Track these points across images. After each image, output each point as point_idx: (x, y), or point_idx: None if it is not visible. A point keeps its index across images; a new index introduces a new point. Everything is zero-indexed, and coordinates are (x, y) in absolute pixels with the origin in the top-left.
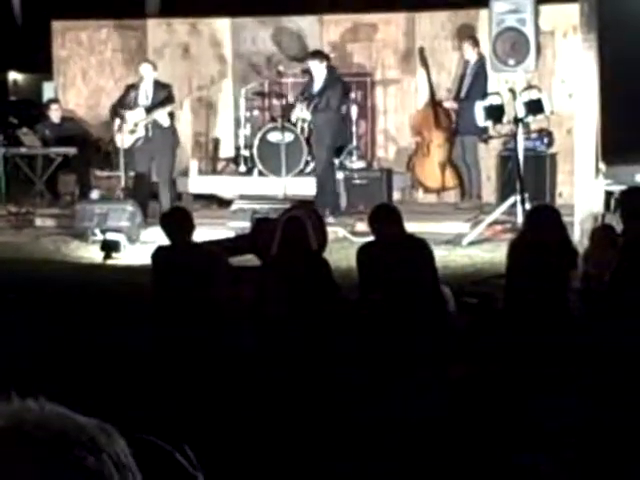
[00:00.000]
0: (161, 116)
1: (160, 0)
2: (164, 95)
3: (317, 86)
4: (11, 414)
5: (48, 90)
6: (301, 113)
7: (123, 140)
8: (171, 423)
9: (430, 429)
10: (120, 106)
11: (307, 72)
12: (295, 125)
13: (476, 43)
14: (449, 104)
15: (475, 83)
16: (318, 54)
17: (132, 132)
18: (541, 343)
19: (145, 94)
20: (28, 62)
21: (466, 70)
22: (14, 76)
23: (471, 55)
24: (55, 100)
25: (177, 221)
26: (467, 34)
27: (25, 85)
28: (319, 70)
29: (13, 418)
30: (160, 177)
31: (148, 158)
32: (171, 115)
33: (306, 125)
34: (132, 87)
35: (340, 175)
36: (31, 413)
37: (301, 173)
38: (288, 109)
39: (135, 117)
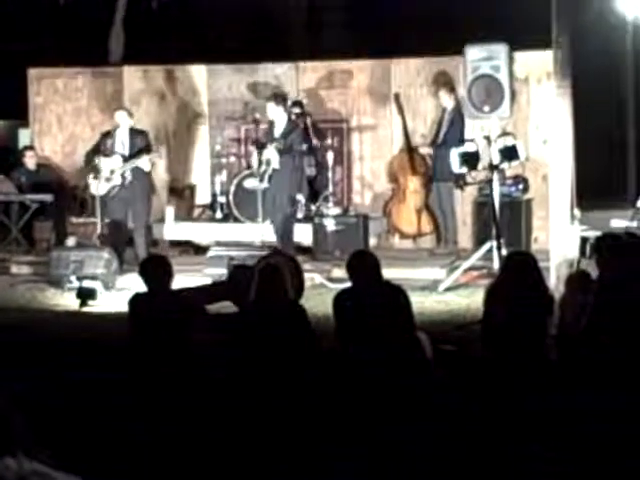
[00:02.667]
0: (143, 163)
1: (123, 50)
2: (141, 143)
3: (278, 130)
4: None
5: (24, 137)
6: (270, 154)
7: (99, 187)
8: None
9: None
10: (96, 153)
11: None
12: (260, 168)
13: (452, 90)
14: (425, 150)
15: (452, 130)
16: (276, 97)
17: (108, 180)
18: (518, 390)
19: (121, 142)
20: (3, 109)
21: (443, 116)
22: None
23: (448, 102)
24: (31, 147)
25: (156, 268)
26: (443, 81)
27: (0, 132)
28: (278, 114)
29: None
30: (136, 224)
31: (124, 205)
32: (152, 162)
33: (270, 169)
34: (108, 134)
35: (316, 221)
36: (10, 471)
37: None
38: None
39: (111, 165)
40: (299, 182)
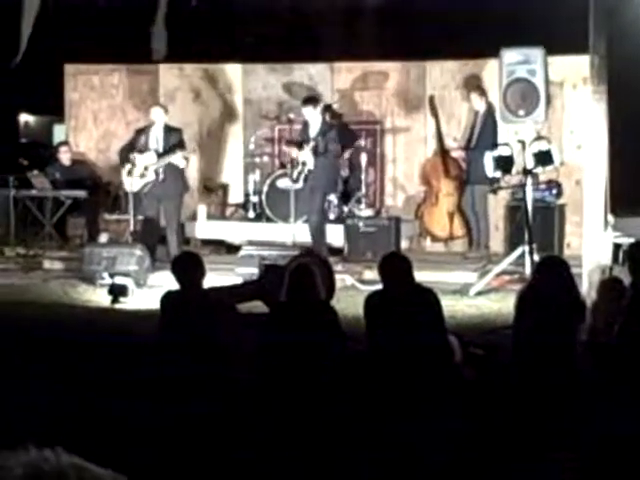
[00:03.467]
0: (177, 159)
1: (167, 46)
2: (175, 139)
3: (313, 132)
4: (29, 464)
5: (59, 132)
6: (306, 156)
7: (132, 184)
8: (179, 469)
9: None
10: (130, 150)
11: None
12: (296, 168)
13: (483, 93)
14: (458, 153)
15: (484, 133)
16: (312, 100)
17: (142, 176)
18: (546, 396)
19: (156, 138)
20: (39, 104)
21: (476, 120)
22: (25, 118)
23: (480, 105)
24: (65, 143)
25: (189, 266)
26: (474, 85)
27: (36, 127)
28: (314, 116)
29: (31, 468)
30: (168, 221)
31: (157, 202)
32: (186, 159)
33: (306, 170)
34: (142, 131)
35: (348, 222)
36: (49, 463)
37: None
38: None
39: (145, 161)
40: (334, 183)
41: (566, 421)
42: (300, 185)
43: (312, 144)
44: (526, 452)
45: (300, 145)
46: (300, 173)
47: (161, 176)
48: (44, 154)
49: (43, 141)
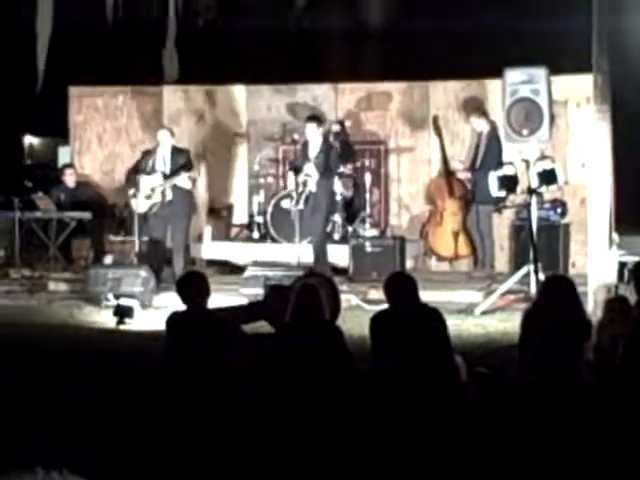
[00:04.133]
0: (183, 180)
1: (179, 67)
2: (182, 160)
3: (313, 151)
4: None
5: (63, 154)
6: (309, 170)
7: (139, 205)
8: None
9: None
10: (136, 172)
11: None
12: (297, 190)
13: (483, 114)
14: (463, 175)
15: (489, 153)
16: (316, 118)
17: (148, 197)
18: (554, 415)
19: (162, 160)
20: (44, 127)
21: (480, 140)
22: (30, 140)
23: (482, 126)
24: (70, 165)
25: (194, 285)
26: (472, 107)
27: (41, 149)
28: (315, 135)
29: None
30: (175, 242)
31: (163, 223)
32: (192, 180)
33: (307, 190)
34: (148, 153)
35: (353, 242)
36: None
37: None
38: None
39: (152, 182)
40: (334, 203)
41: (572, 440)
42: (301, 206)
43: (315, 161)
44: (532, 471)
45: (298, 169)
46: (301, 194)
47: (168, 197)
48: (49, 176)
49: (48, 163)
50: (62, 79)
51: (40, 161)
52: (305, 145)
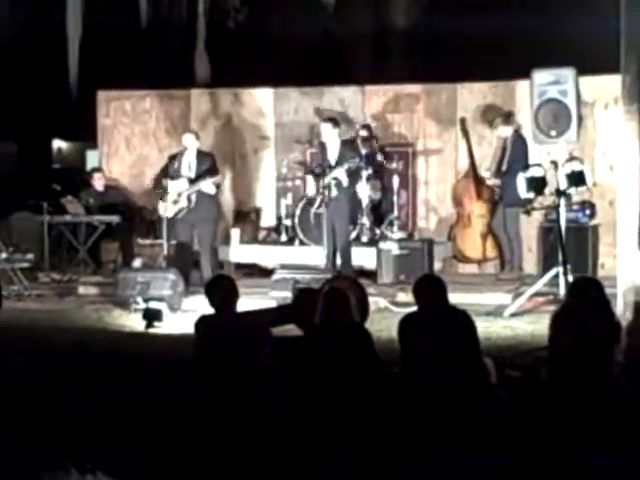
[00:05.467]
0: (207, 186)
1: (210, 71)
2: (207, 165)
3: (332, 153)
4: None
5: (91, 158)
6: (339, 174)
7: (166, 210)
8: None
9: None
10: (163, 176)
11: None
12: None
13: (507, 119)
14: (491, 182)
15: (515, 155)
16: (332, 119)
17: (175, 202)
18: (586, 416)
19: (188, 164)
20: (72, 130)
21: (505, 143)
22: (58, 144)
23: (506, 131)
24: (99, 169)
25: (222, 289)
26: (492, 116)
27: (69, 153)
28: (332, 135)
29: None
30: (202, 246)
31: (190, 227)
32: (217, 185)
33: (330, 194)
34: (175, 157)
35: (381, 245)
36: None
37: None
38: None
39: (178, 187)
40: (356, 207)
41: (604, 443)
42: (323, 211)
43: (347, 165)
44: (564, 474)
45: (319, 174)
46: (322, 200)
47: (194, 201)
48: (77, 180)
49: (76, 167)
50: (90, 83)
51: (68, 165)
52: (323, 147)
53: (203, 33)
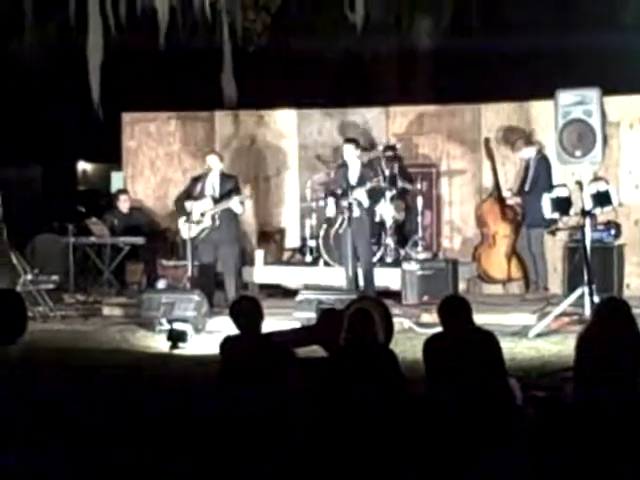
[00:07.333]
0: (234, 204)
1: (237, 93)
2: (231, 186)
3: (354, 174)
4: None
5: (116, 180)
6: (360, 196)
7: (189, 230)
8: None
9: None
10: (186, 198)
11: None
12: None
13: (529, 140)
14: (512, 201)
15: (539, 176)
16: (354, 140)
17: (198, 223)
18: (611, 437)
19: (212, 185)
20: (97, 152)
21: (528, 164)
22: (83, 166)
23: (528, 153)
24: (124, 190)
25: (247, 310)
26: (513, 139)
27: (93, 175)
28: (353, 156)
29: None
30: (226, 267)
31: (213, 248)
32: (242, 203)
33: (351, 215)
34: (198, 179)
35: (405, 266)
36: None
37: None
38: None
39: (202, 207)
40: (375, 227)
41: (630, 463)
42: (344, 231)
43: (369, 185)
44: None
45: (339, 195)
46: (344, 220)
47: (217, 222)
48: (102, 201)
49: (101, 189)
50: (115, 105)
51: (93, 187)
52: (345, 167)
53: (229, 56)
